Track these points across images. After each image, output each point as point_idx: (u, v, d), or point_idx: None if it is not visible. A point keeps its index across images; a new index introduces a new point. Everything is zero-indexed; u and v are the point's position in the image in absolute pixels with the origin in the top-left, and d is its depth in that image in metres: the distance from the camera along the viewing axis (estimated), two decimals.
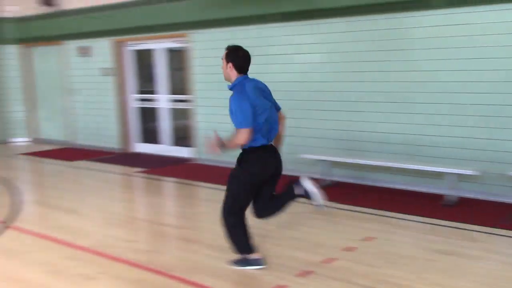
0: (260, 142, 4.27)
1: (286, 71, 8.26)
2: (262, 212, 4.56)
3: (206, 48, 9.33)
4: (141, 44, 10.83)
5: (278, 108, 4.54)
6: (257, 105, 4.19)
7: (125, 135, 11.22)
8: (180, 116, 10.51)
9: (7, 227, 5.92)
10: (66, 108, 12.48)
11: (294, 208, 5.43)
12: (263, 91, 4.38)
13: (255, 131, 4.20)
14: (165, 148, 10.77)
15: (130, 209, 7.06)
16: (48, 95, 13.00)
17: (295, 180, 4.48)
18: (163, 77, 10.57)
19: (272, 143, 4.45)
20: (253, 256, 4.48)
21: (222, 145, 4.24)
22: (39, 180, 9.34)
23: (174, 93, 10.51)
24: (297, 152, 7.97)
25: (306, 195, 4.40)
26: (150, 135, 11.19)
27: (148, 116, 11.14)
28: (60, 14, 11.82)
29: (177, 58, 10.35)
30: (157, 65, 10.61)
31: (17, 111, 13.30)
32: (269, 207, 4.53)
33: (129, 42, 10.95)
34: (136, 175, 8.92)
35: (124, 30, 10.66)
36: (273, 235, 5.33)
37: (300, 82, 8.13)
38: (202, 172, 8.96)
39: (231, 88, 4.33)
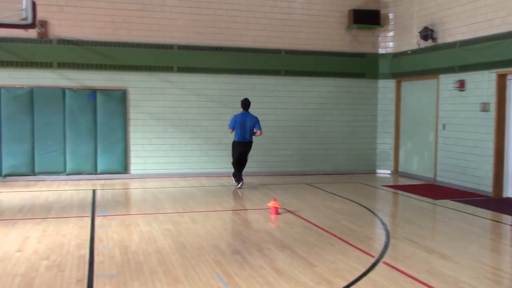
0: (237, 138, 10.70)
1: None
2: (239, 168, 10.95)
3: None
4: None
5: (257, 128, 10.70)
6: (236, 122, 10.63)
7: (498, 178, 10.08)
8: None
9: (382, 262, 5.78)
10: (431, 143, 12.13)
11: None
12: (244, 119, 10.65)
13: (236, 132, 10.67)
14: None
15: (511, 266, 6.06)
16: (414, 129, 12.92)
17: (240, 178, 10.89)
18: None
19: (248, 139, 10.77)
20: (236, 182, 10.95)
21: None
22: (404, 215, 9.12)
23: None
24: None
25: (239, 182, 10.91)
26: None
27: None
28: (437, 48, 11.58)
29: None
30: None
31: (385, 143, 13.68)
32: (240, 168, 10.95)
33: None
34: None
35: (509, 62, 9.61)
36: None
37: None
38: None
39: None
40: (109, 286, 4.92)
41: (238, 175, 10.91)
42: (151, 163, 12.30)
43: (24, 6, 8.85)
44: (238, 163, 10.87)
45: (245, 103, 10.89)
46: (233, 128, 10.73)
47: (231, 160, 11.06)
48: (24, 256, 5.83)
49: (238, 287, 4.92)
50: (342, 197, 10.03)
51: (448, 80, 11.37)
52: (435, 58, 11.61)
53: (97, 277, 5.19)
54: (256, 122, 10.76)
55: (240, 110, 10.88)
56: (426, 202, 9.69)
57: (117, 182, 11.66)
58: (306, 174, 13.08)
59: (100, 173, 11.98)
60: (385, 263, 5.73)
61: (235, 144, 10.84)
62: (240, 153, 10.80)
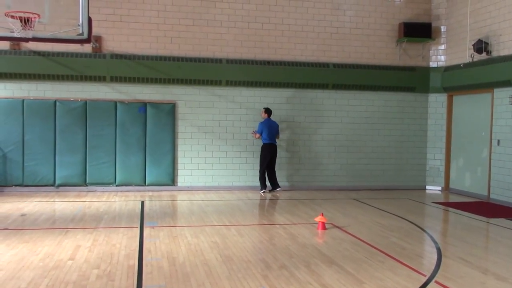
0: (267, 141, 12.11)
1: None
2: (270, 175, 12.37)
3: None
4: None
5: (278, 133, 12.36)
6: (264, 127, 12.09)
7: None
8: None
9: (434, 281, 5.59)
10: (484, 159, 11.72)
11: None
12: (271, 124, 12.16)
13: (265, 137, 12.08)
14: None
15: None
16: (466, 145, 12.53)
17: (275, 186, 12.32)
18: None
19: (274, 142, 12.28)
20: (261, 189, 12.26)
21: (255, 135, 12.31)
22: (456, 233, 8.82)
23: None
24: None
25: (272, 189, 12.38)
26: None
27: None
28: (491, 61, 11.24)
29: None
30: None
31: (435, 159, 13.33)
32: (271, 175, 12.34)
33: None
34: None
35: None
36: None
37: None
38: None
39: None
40: None
41: (264, 182, 12.27)
42: (198, 175, 12.42)
43: (80, 21, 9.17)
44: (266, 169, 12.26)
45: (269, 111, 12.33)
46: (261, 133, 12.12)
47: (263, 169, 12.24)
48: (76, 265, 5.97)
49: None
50: (390, 213, 9.81)
51: (503, 95, 11.00)
52: (489, 72, 11.26)
53: (145, 287, 5.24)
54: (278, 127, 12.43)
55: (265, 117, 12.33)
56: (480, 220, 9.34)
57: (165, 194, 11.82)
58: (353, 189, 12.89)
59: (149, 185, 12.19)
60: (437, 282, 5.54)
61: (266, 147, 12.18)
62: (272, 156, 12.22)
